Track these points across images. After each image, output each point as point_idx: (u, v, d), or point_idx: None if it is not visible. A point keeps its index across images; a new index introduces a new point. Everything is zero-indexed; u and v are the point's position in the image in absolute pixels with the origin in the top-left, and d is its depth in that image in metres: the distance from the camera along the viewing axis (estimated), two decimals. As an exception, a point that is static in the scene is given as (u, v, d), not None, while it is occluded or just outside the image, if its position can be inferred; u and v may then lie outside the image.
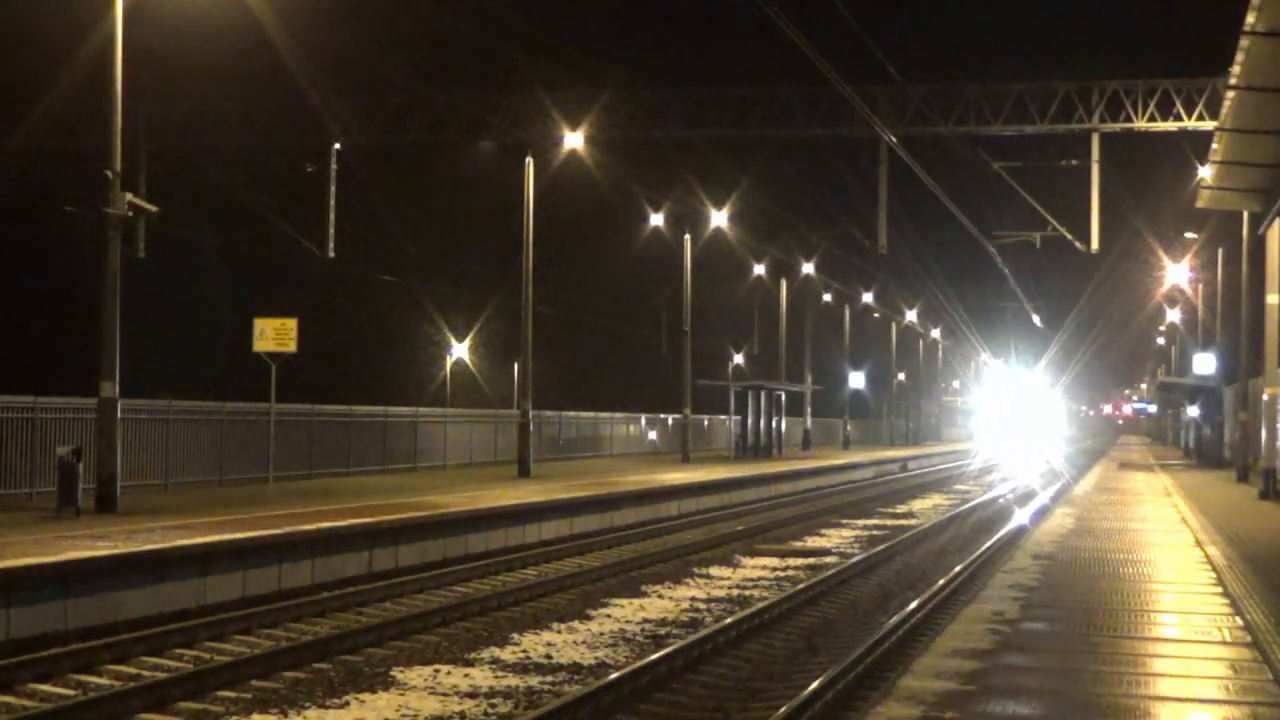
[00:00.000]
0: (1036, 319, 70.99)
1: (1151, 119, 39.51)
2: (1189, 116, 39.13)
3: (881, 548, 23.99)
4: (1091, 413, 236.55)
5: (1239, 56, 18.88)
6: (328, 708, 11.54)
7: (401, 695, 12.02)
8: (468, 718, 11.31)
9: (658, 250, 49.61)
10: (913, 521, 30.94)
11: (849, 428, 75.76)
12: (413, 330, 66.09)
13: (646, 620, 16.31)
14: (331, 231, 42.53)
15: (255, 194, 44.14)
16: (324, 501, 22.95)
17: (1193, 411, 60.87)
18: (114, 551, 15.20)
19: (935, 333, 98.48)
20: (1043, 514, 28.13)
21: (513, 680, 12.73)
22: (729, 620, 15.26)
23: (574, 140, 36.01)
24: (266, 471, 27.74)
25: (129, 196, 21.25)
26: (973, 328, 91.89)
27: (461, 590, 18.60)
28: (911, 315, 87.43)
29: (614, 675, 12.16)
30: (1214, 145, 24.46)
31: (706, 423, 58.02)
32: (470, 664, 13.48)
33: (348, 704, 11.67)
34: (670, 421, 53.04)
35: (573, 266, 65.13)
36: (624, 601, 17.68)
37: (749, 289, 62.75)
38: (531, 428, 34.19)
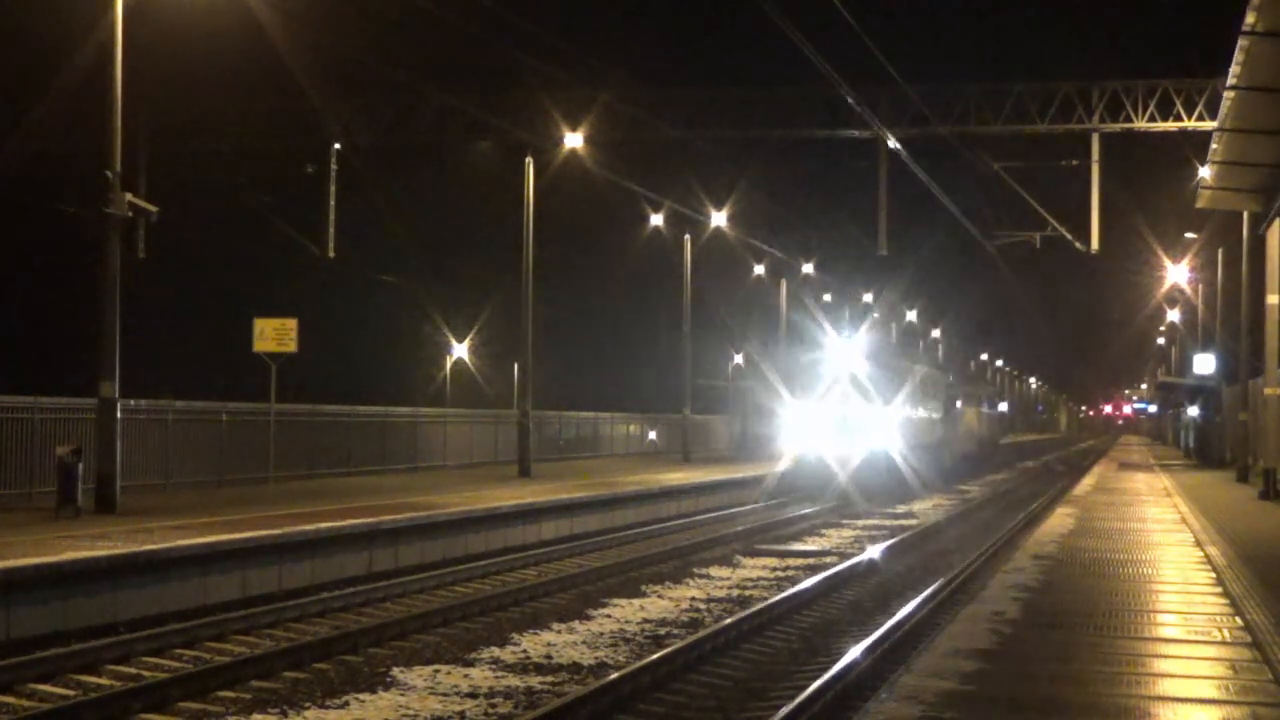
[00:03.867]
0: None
1: (1151, 119, 39.57)
2: (1189, 116, 39.19)
3: (880, 548, 24.00)
4: (1091, 412, 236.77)
5: (1238, 56, 18.89)
6: (328, 708, 11.54)
7: (401, 695, 12.02)
8: (468, 718, 11.31)
9: (658, 250, 49.63)
10: (913, 521, 30.93)
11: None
12: (413, 330, 66.10)
13: (646, 620, 16.31)
14: (331, 231, 42.59)
15: (255, 194, 44.19)
16: (324, 502, 22.95)
17: (1193, 411, 60.93)
18: (114, 551, 15.20)
19: (935, 332, 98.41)
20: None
21: (513, 680, 12.73)
22: (729, 620, 15.26)
23: (574, 140, 36.01)
24: (266, 471, 27.76)
25: (129, 197, 21.25)
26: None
27: (461, 590, 18.60)
28: (912, 315, 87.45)
29: (614, 675, 12.15)
30: (1214, 145, 24.48)
31: (707, 422, 58.04)
32: (470, 664, 13.48)
33: (348, 704, 11.67)
34: (670, 421, 53.06)
35: (573, 266, 65.14)
36: (624, 601, 17.68)
37: (749, 289, 62.72)
38: (531, 428, 34.19)
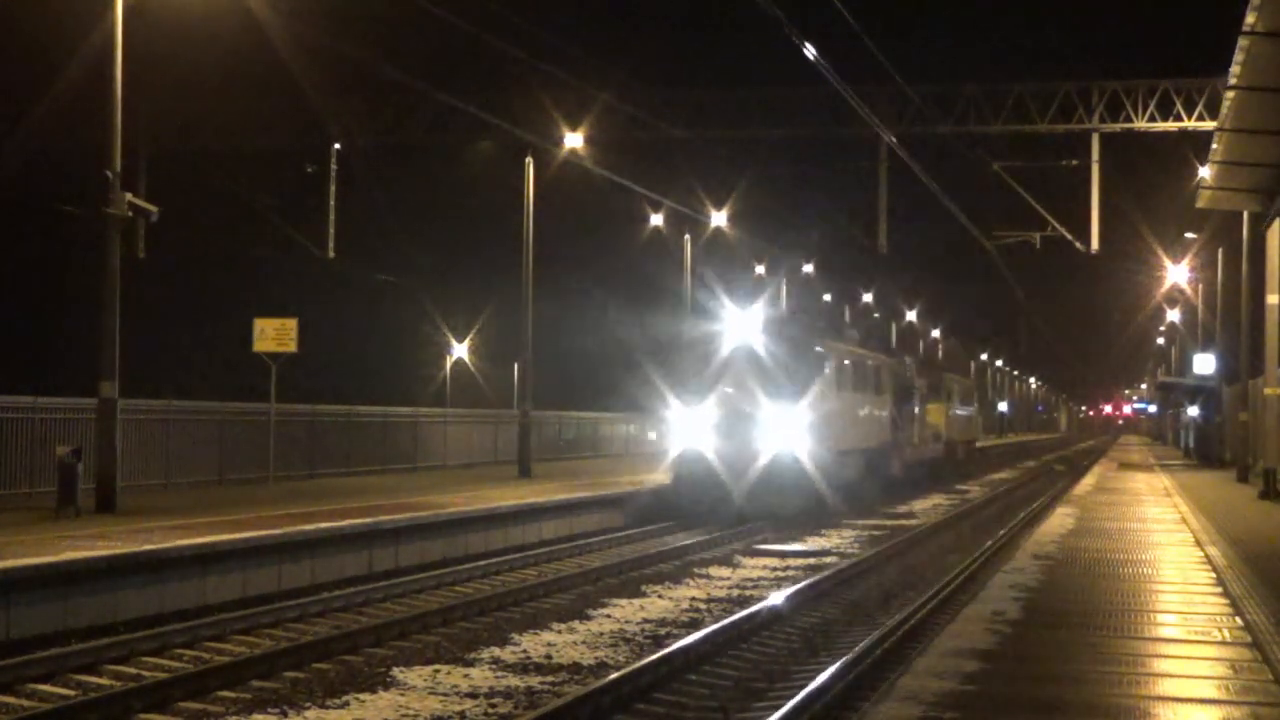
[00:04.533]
0: None
1: (1151, 119, 39.62)
2: (1189, 116, 39.25)
3: (881, 548, 23.99)
4: (1091, 412, 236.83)
5: (1239, 56, 18.92)
6: (328, 708, 11.54)
7: (401, 695, 12.02)
8: (468, 718, 11.30)
9: (658, 250, 49.63)
10: (913, 522, 30.92)
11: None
12: (413, 330, 66.13)
13: (646, 620, 16.30)
14: (331, 231, 42.62)
15: (255, 194, 44.24)
16: (324, 502, 22.95)
17: (1193, 411, 60.94)
18: (114, 551, 15.20)
19: (935, 332, 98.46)
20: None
21: (513, 680, 12.73)
22: (729, 620, 15.25)
23: (574, 140, 36.02)
24: (267, 471, 27.76)
25: (129, 197, 21.27)
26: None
27: (461, 590, 18.60)
28: (911, 315, 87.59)
29: (614, 675, 12.15)
30: (1214, 145, 24.50)
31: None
32: (470, 664, 13.48)
33: (348, 704, 11.67)
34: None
35: (573, 266, 65.18)
36: (624, 602, 17.68)
37: (749, 288, 62.66)
38: (531, 428, 34.18)
